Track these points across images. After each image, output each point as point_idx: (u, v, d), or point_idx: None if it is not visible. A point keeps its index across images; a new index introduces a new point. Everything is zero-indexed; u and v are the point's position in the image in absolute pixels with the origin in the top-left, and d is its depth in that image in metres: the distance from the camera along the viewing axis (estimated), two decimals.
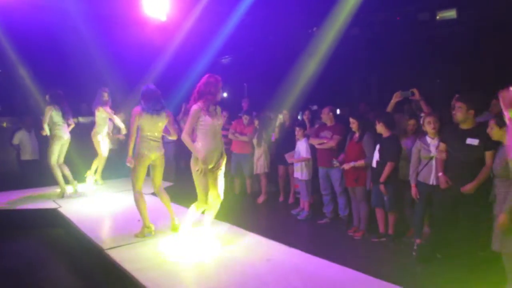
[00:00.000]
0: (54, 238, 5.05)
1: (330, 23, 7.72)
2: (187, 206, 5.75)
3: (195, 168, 3.59)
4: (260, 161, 6.62)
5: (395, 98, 4.76)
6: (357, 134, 4.84)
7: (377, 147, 4.51)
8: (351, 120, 4.82)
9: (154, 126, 4.22)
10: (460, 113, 3.64)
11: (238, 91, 12.94)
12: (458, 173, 3.65)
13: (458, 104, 3.68)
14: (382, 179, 4.34)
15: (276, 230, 5.10)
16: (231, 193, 6.93)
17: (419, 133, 4.41)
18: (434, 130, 4.01)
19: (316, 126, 5.98)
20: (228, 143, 7.08)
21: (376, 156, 4.48)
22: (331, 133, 5.19)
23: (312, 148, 5.59)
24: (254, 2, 8.17)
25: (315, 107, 7.88)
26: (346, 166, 4.81)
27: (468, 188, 3.52)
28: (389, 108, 5.06)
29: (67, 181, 6.16)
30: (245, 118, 6.84)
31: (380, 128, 4.48)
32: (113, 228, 4.88)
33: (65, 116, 6.08)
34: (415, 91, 4.60)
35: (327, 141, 5.17)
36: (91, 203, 5.75)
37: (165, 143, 5.50)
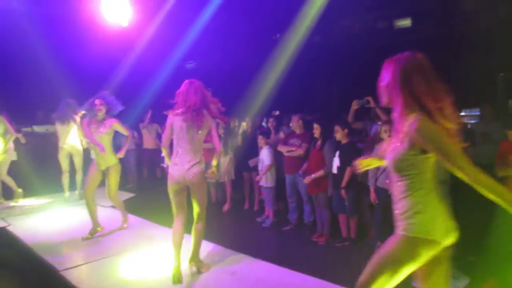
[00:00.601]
0: (3, 259, 4.54)
1: (292, 30, 7.82)
2: (153, 219, 5.69)
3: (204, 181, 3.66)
4: (225, 169, 6.56)
5: (353, 106, 4.96)
6: (319, 142, 4.90)
7: (337, 153, 4.60)
8: (315, 126, 4.89)
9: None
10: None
11: None
12: None
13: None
14: (343, 184, 4.43)
15: (241, 239, 5.08)
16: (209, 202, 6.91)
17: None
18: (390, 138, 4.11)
19: (281, 133, 6.00)
20: None
21: (337, 162, 4.57)
22: (300, 141, 5.24)
23: (278, 155, 5.64)
24: (218, 7, 8.13)
25: (277, 113, 7.94)
26: (307, 180, 4.88)
27: None
28: (350, 116, 5.22)
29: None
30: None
31: (339, 135, 4.56)
32: (68, 246, 4.62)
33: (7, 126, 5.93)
34: (370, 99, 4.79)
35: (296, 149, 5.21)
36: (43, 219, 5.47)
37: (127, 151, 5.44)
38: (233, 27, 9.02)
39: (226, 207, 6.55)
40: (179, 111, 3.59)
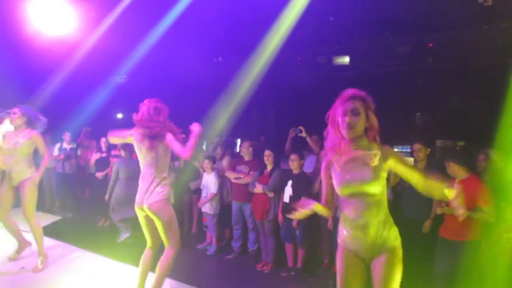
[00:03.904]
0: None
1: (236, 55, 7.88)
2: (78, 244, 5.17)
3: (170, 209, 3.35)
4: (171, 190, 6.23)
5: (291, 134, 5.29)
6: (269, 169, 4.90)
7: (290, 182, 4.63)
8: (267, 152, 4.87)
9: None
10: None
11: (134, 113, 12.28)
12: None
13: None
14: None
15: (183, 267, 4.79)
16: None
17: None
18: None
19: (224, 160, 5.88)
20: None
21: (289, 191, 4.59)
22: (248, 168, 5.17)
23: (223, 179, 5.53)
24: (159, 25, 7.89)
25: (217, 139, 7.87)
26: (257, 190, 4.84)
27: None
28: (287, 144, 5.39)
29: None
30: None
31: (296, 164, 4.61)
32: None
33: None
34: (302, 128, 5.09)
35: (244, 176, 5.13)
36: None
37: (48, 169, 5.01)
38: (174, 46, 8.82)
39: None
40: (132, 130, 3.41)
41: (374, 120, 2.20)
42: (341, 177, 2.22)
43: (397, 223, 2.28)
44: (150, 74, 10.49)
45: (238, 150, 6.27)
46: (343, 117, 2.18)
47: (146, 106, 3.40)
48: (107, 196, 5.88)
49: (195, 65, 8.81)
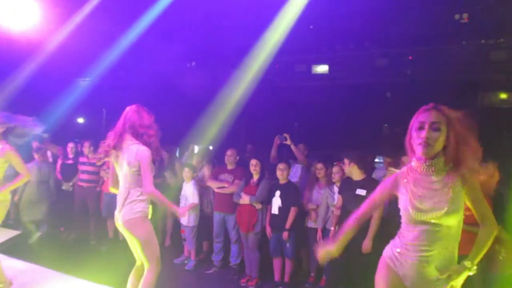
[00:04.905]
0: None
1: (209, 62, 7.65)
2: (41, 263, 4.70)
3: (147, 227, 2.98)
4: None
5: (276, 141, 5.21)
6: (255, 178, 4.69)
7: (278, 193, 4.44)
8: (254, 161, 4.65)
9: None
10: (345, 167, 3.88)
11: (97, 118, 11.70)
12: None
13: (344, 160, 3.91)
14: (287, 225, 4.26)
15: (160, 283, 4.40)
16: (105, 237, 6.01)
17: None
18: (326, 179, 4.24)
19: (205, 168, 5.55)
20: (94, 181, 6.10)
21: (278, 202, 4.40)
22: (233, 177, 4.92)
23: (203, 190, 5.24)
24: (131, 26, 7.49)
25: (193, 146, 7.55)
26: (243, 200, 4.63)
27: (366, 246, 3.61)
28: (273, 152, 5.26)
29: None
30: None
31: (285, 173, 4.44)
32: None
33: None
34: (287, 136, 5.00)
35: (229, 186, 4.87)
36: None
37: None
38: (144, 48, 8.42)
39: None
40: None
41: (461, 140, 1.83)
42: (411, 201, 1.88)
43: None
44: (116, 77, 9.97)
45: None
46: (418, 131, 1.85)
47: (133, 112, 3.10)
48: (16, 197, 5.94)
49: (166, 69, 8.45)
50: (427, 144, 1.81)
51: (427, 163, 1.87)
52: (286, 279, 4.52)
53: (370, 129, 7.96)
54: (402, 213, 1.93)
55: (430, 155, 1.84)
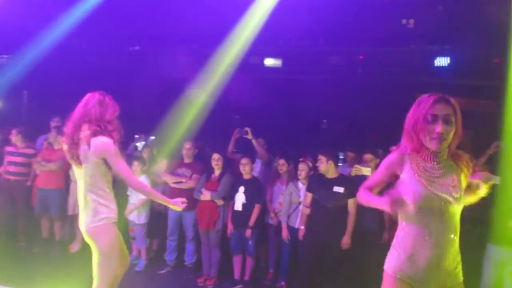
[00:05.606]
0: None
1: (160, 46, 7.19)
2: None
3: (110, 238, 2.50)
4: (74, 199, 5.24)
5: (235, 135, 5.07)
6: (217, 173, 4.47)
7: (242, 189, 4.29)
8: (216, 156, 4.42)
9: None
10: (321, 165, 3.87)
11: (15, 101, 10.33)
12: (324, 219, 3.80)
13: (319, 157, 3.90)
14: (251, 223, 4.13)
15: None
16: (37, 237, 5.35)
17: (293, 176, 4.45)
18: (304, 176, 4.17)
19: (162, 160, 5.20)
20: (24, 173, 5.39)
21: (242, 198, 4.25)
22: (190, 172, 4.63)
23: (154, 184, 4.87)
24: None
25: (136, 137, 7.06)
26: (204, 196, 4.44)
27: (345, 242, 3.68)
28: (230, 146, 5.12)
29: None
30: (55, 140, 5.30)
31: (248, 168, 4.29)
32: None
33: None
34: (248, 130, 4.89)
35: (187, 181, 4.57)
36: None
37: None
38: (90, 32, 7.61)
39: (75, 246, 5.19)
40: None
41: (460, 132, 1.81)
42: (421, 182, 1.78)
43: None
44: (42, 55, 8.90)
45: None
46: (431, 125, 1.75)
47: (92, 100, 2.60)
48: None
49: (107, 52, 7.75)
50: (442, 138, 1.75)
51: (434, 153, 1.82)
52: (247, 277, 4.41)
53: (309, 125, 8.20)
54: (408, 196, 1.79)
55: (443, 148, 1.81)
